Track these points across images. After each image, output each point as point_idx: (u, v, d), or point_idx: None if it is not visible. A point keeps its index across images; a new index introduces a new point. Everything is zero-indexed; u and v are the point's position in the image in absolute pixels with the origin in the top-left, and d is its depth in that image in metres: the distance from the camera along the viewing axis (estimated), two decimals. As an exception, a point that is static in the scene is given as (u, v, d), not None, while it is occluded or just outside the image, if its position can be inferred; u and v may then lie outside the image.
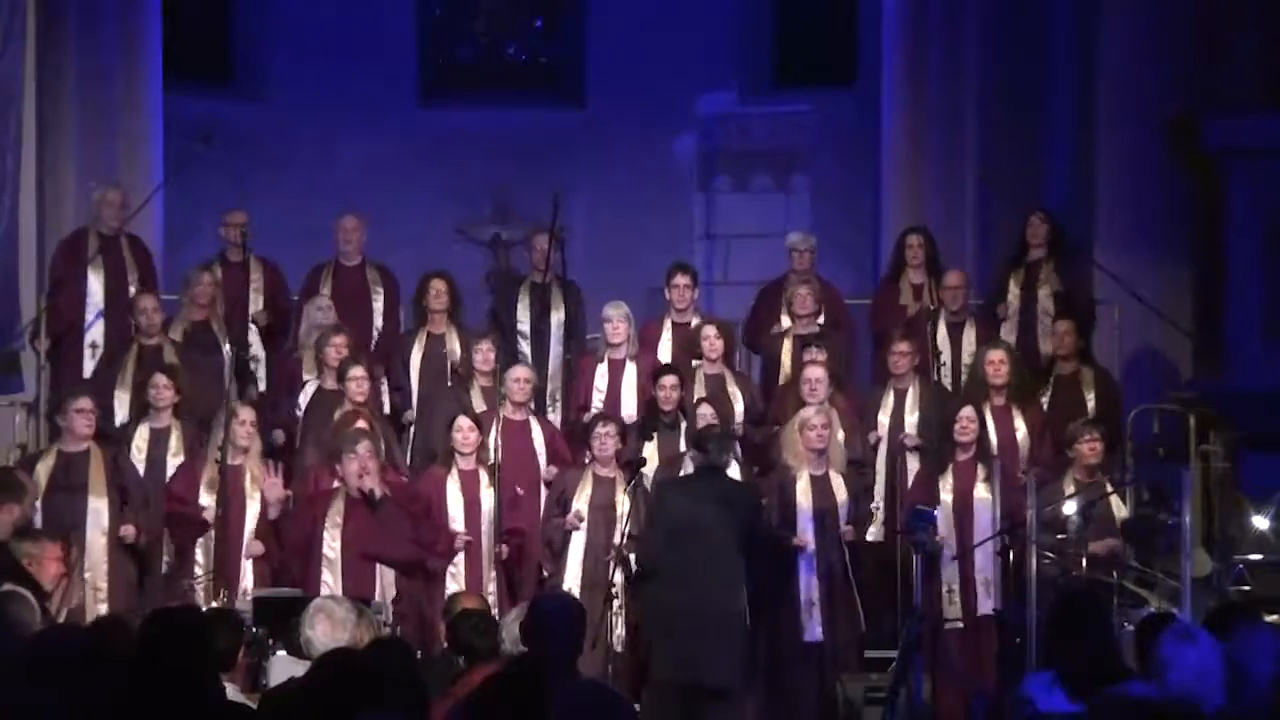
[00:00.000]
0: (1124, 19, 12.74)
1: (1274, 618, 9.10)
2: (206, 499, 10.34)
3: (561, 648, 6.21)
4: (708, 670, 9.56)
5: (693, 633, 9.53)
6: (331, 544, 10.06)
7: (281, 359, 12.08)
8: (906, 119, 14.07)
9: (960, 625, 10.44)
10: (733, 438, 10.40)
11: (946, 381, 11.74)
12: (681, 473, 10.55)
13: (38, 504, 10.15)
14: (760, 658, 10.41)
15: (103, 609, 9.96)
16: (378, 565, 10.04)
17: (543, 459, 11.01)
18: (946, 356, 11.81)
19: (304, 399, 11.31)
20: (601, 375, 11.56)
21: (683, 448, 10.86)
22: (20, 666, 5.97)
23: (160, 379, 10.83)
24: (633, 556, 10.12)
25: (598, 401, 11.47)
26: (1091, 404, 11.58)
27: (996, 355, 11.34)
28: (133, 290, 11.94)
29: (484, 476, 10.59)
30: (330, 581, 9.97)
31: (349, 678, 5.73)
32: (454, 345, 11.81)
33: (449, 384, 11.66)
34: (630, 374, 11.56)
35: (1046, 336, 12.07)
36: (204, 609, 8.84)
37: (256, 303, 12.23)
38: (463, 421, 10.64)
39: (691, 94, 15.63)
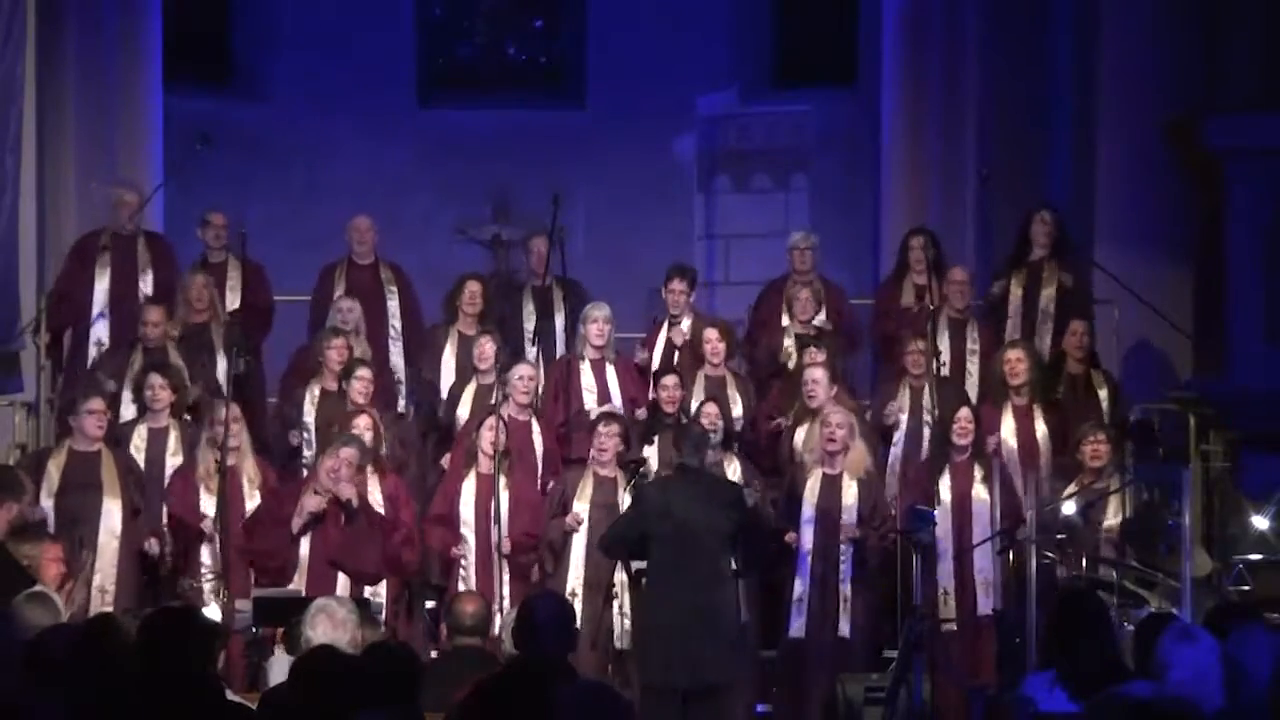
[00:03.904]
0: (1124, 20, 12.74)
1: (1275, 617, 9.11)
2: (206, 502, 10.33)
3: (553, 648, 6.22)
4: (699, 669, 9.53)
5: (680, 634, 9.50)
6: (301, 543, 10.02)
7: (298, 357, 12.08)
8: (906, 119, 14.07)
9: (953, 626, 10.42)
10: (707, 436, 10.37)
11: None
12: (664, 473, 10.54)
13: (49, 503, 10.17)
14: (756, 655, 10.43)
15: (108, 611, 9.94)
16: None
17: (540, 462, 10.99)
18: (946, 356, 11.79)
19: (309, 402, 11.30)
20: (587, 375, 11.53)
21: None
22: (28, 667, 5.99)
23: (156, 379, 10.79)
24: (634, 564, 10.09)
25: (590, 402, 11.44)
26: (1105, 405, 11.56)
27: (1015, 354, 11.31)
28: (141, 291, 11.95)
29: (500, 480, 10.51)
30: (295, 579, 9.95)
31: (344, 678, 5.72)
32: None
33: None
34: (612, 375, 11.55)
35: (1047, 337, 12.05)
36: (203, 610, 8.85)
37: (233, 303, 12.22)
38: (492, 420, 10.59)
39: (691, 94, 15.63)
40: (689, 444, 9.90)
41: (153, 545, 10.26)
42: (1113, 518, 10.54)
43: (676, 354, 11.81)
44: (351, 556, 10.00)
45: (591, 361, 11.54)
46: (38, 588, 8.29)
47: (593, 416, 11.10)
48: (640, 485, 10.23)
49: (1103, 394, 11.64)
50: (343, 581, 9.97)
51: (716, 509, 9.64)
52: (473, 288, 12.01)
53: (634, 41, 15.47)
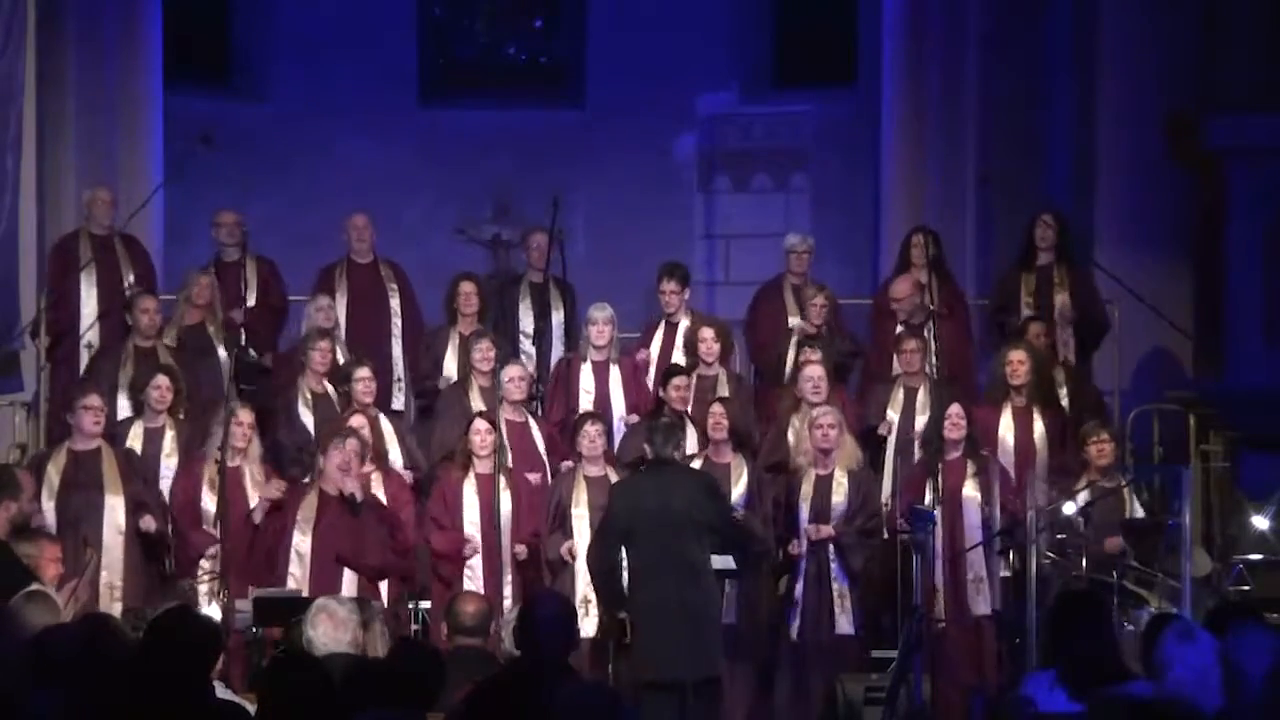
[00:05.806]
0: (1124, 19, 12.75)
1: (1275, 617, 9.11)
2: (208, 500, 10.34)
3: (554, 648, 6.21)
4: (687, 663, 9.53)
5: (665, 629, 9.49)
6: (301, 540, 10.01)
7: (284, 360, 12.07)
8: (906, 119, 14.07)
9: (942, 624, 10.39)
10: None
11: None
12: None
13: (50, 505, 10.17)
14: (753, 654, 10.45)
15: (118, 608, 9.94)
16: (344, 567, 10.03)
17: (546, 458, 10.99)
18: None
19: (303, 405, 11.28)
20: (587, 377, 11.54)
21: (692, 448, 10.84)
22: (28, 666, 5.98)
23: (163, 380, 10.85)
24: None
25: (586, 404, 11.43)
26: (1066, 401, 11.56)
27: (1016, 355, 11.28)
28: (127, 289, 11.95)
29: (501, 479, 10.54)
30: (297, 575, 9.95)
31: (307, 686, 5.71)
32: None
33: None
34: (615, 376, 11.55)
35: (1067, 342, 12.02)
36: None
37: (250, 302, 12.22)
38: (480, 424, 10.59)
39: (691, 94, 15.62)
40: (660, 436, 9.86)
41: (148, 522, 10.27)
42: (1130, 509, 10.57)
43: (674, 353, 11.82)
44: (356, 552, 10.00)
45: (594, 363, 11.55)
46: (35, 586, 8.28)
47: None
48: (612, 488, 10.18)
49: (1062, 392, 11.62)
50: (348, 579, 9.99)
51: (692, 501, 9.62)
52: (466, 288, 12.01)
53: (634, 41, 15.45)
